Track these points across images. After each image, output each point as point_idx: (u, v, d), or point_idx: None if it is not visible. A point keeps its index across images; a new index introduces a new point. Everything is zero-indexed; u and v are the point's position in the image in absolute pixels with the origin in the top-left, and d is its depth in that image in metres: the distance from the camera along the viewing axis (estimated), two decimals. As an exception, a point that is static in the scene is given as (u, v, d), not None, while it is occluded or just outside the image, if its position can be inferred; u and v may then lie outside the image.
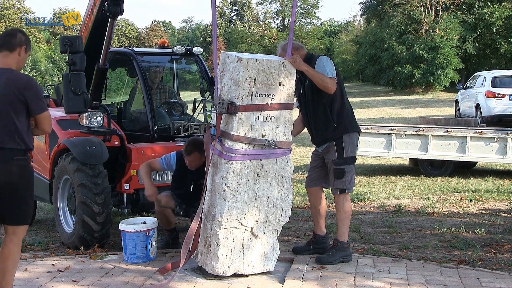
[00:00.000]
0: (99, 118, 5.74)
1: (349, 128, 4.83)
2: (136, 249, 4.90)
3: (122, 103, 7.14)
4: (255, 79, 4.28)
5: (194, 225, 4.34)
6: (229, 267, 4.35)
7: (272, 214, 4.49)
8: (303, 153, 13.76)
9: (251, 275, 4.45)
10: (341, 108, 4.81)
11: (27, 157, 3.71)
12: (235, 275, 4.41)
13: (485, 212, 7.48)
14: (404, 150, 10.64)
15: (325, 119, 4.79)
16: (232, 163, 4.26)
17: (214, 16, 4.42)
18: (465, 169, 11.15)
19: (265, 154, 4.39)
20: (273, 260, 4.58)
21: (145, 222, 5.08)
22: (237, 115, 4.24)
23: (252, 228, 4.41)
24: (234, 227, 4.35)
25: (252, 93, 4.30)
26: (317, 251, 5.00)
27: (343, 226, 4.88)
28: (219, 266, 4.31)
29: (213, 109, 4.41)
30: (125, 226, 5.00)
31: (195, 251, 4.49)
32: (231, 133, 4.26)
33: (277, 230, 4.59)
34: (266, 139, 4.35)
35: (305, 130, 5.17)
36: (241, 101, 4.25)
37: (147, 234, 4.93)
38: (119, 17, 5.88)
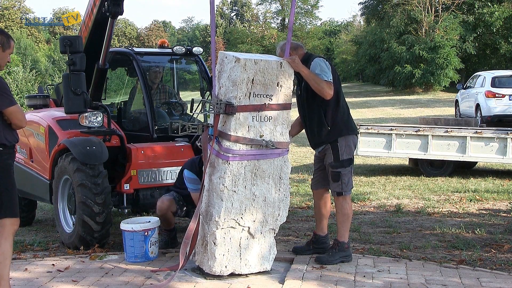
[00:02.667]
0: (99, 118, 5.74)
1: (343, 131, 4.80)
2: (135, 248, 4.90)
3: (122, 103, 7.15)
4: (253, 80, 4.28)
5: (192, 226, 4.35)
6: (226, 266, 4.35)
7: (270, 214, 4.49)
8: (303, 153, 13.75)
9: (250, 274, 4.46)
10: (335, 111, 4.77)
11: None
12: (235, 275, 4.41)
13: (485, 212, 7.48)
14: (404, 150, 10.64)
15: (319, 122, 4.78)
16: (229, 163, 4.26)
17: (212, 16, 4.41)
18: (465, 169, 11.16)
19: (263, 154, 4.39)
20: (270, 260, 4.58)
21: (149, 221, 5.09)
22: (234, 115, 4.24)
23: (249, 228, 4.42)
24: (232, 227, 4.35)
25: (250, 93, 4.30)
26: (317, 251, 5.00)
27: (342, 227, 4.88)
28: (216, 265, 4.32)
29: (211, 109, 4.41)
30: (124, 225, 5.01)
31: (193, 251, 4.50)
32: (229, 133, 4.26)
33: (274, 230, 4.59)
34: (263, 140, 4.36)
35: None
36: (238, 102, 4.25)
37: (146, 234, 4.92)
38: (119, 17, 5.88)
